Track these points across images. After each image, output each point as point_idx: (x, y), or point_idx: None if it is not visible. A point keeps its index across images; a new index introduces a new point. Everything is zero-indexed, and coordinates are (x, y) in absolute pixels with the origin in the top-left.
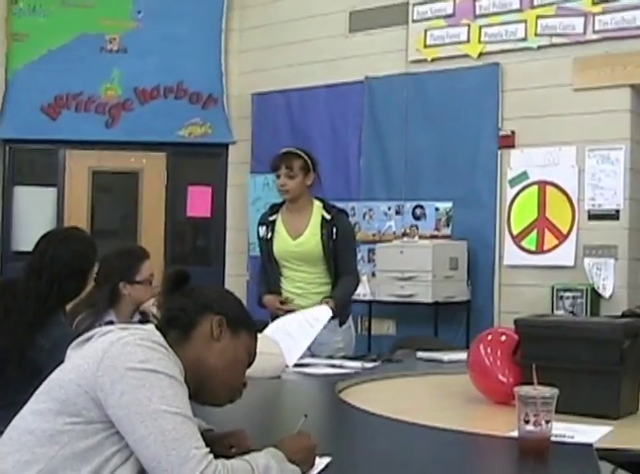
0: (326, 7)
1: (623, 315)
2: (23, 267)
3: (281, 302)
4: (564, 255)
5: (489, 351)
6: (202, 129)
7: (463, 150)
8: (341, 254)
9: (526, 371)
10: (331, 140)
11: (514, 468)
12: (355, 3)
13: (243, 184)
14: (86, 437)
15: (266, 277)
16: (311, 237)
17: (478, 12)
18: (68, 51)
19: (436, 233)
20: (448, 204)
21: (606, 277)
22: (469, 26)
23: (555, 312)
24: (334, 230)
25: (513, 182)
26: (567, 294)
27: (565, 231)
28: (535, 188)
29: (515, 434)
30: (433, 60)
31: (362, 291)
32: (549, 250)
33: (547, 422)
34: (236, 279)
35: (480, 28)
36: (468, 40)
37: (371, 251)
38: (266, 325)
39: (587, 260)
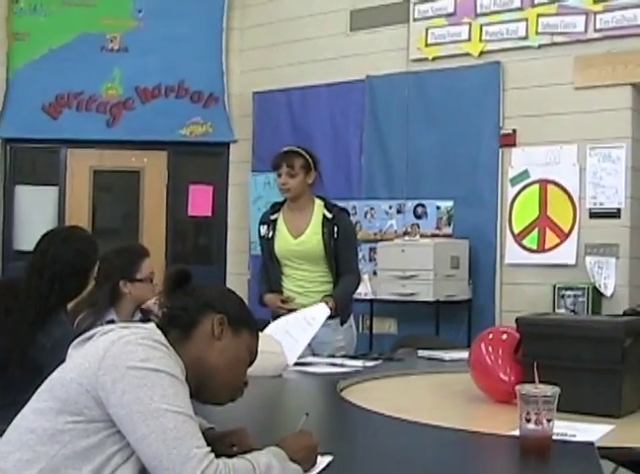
0: (327, 5)
1: (625, 314)
2: (24, 266)
3: (283, 301)
4: (565, 253)
5: (490, 349)
6: (204, 128)
7: (464, 149)
8: (342, 253)
9: (528, 370)
10: (332, 139)
11: (515, 467)
12: (355, 2)
13: (244, 182)
14: (87, 436)
15: (267, 276)
16: (312, 236)
17: (479, 10)
18: (69, 51)
19: (437, 232)
20: (450, 203)
21: (608, 276)
22: (470, 24)
23: (556, 311)
24: (335, 229)
25: (514, 180)
26: (568, 293)
27: (566, 230)
28: (537, 186)
29: (516, 432)
30: (434, 59)
31: (364, 290)
32: (550, 248)
33: (549, 420)
34: (237, 278)
35: (481, 26)
36: (469, 39)
37: (373, 250)
38: (267, 324)
39: (588, 258)
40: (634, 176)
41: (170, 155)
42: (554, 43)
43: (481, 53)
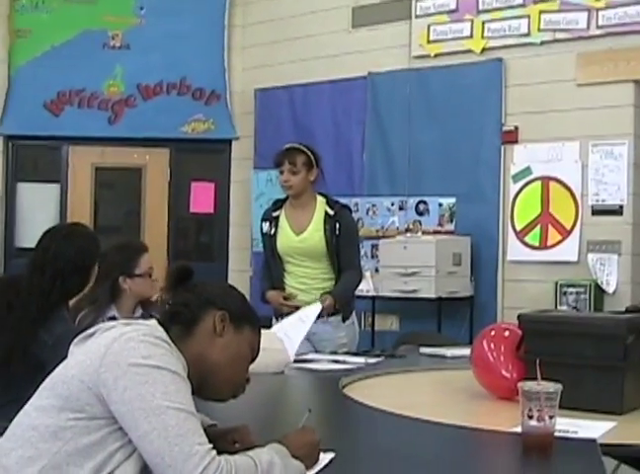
0: (329, 2)
1: (627, 310)
2: (26, 263)
3: (285, 298)
4: (567, 250)
5: (492, 346)
6: (205, 125)
7: (466, 146)
8: (343, 249)
9: (530, 367)
10: (334, 136)
11: (517, 463)
12: None
13: (246, 180)
14: (89, 433)
15: (269, 273)
16: (314, 233)
17: (481, 7)
18: (71, 48)
19: (439, 229)
20: (452, 200)
21: (610, 273)
22: (472, 21)
23: (558, 308)
24: (337, 226)
25: (516, 177)
26: (570, 290)
27: (568, 227)
28: (539, 183)
29: (518, 429)
30: (436, 56)
31: (366, 287)
32: (553, 245)
33: (551, 417)
34: (239, 275)
35: (483, 23)
36: (471, 36)
37: (375, 247)
38: (269, 321)
39: (590, 255)
40: (636, 173)
41: (172, 152)
42: (556, 40)
43: (483, 50)
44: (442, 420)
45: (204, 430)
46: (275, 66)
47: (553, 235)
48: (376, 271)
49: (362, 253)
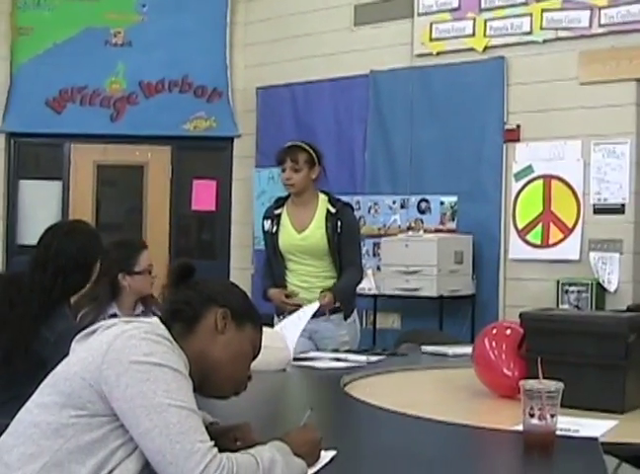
0: (331, 0)
1: (628, 309)
2: (28, 260)
3: (287, 296)
4: (569, 249)
5: (494, 344)
6: (207, 123)
7: (468, 144)
8: (345, 247)
9: (532, 365)
10: (336, 134)
11: (518, 462)
12: None
13: (248, 177)
14: (91, 431)
15: (271, 271)
16: (316, 230)
17: (483, 5)
18: (73, 45)
19: (441, 227)
20: (453, 198)
21: (612, 272)
22: (474, 19)
23: (560, 306)
24: (339, 224)
25: (518, 176)
26: (572, 288)
27: (570, 225)
28: (541, 182)
29: (519, 427)
30: (438, 54)
31: (367, 285)
32: (554, 244)
33: (552, 416)
34: (241, 273)
35: (485, 21)
36: (473, 34)
37: (376, 245)
38: (271, 319)
39: (592, 254)
40: (638, 171)
41: (174, 150)
42: (559, 39)
43: (485, 48)
44: (444, 418)
45: (206, 427)
46: (277, 64)
47: (555, 234)
48: (378, 269)
49: (364, 251)
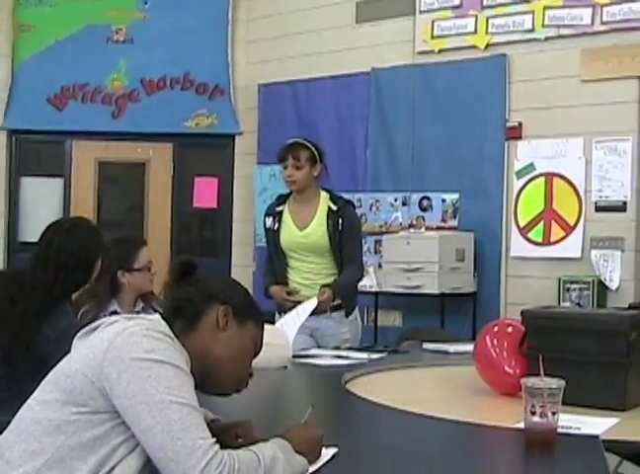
0: None
1: (630, 307)
2: (29, 257)
3: (288, 293)
4: (571, 247)
5: (495, 342)
6: (209, 120)
7: (470, 141)
8: (346, 244)
9: (533, 363)
10: (337, 131)
11: (520, 459)
12: None
13: (249, 175)
14: (92, 427)
15: (272, 268)
16: (318, 228)
17: (485, 3)
18: (75, 42)
19: (442, 224)
20: (455, 196)
21: (613, 269)
22: (476, 17)
23: (561, 304)
24: (340, 221)
25: (519, 173)
26: (573, 286)
27: (572, 223)
28: (542, 179)
29: (521, 425)
30: (440, 51)
31: (369, 283)
32: (556, 242)
33: (554, 413)
34: (242, 270)
35: (487, 19)
36: (475, 32)
37: (378, 242)
38: (272, 316)
39: (593, 252)
40: None
41: (175, 147)
42: (560, 36)
43: (487, 46)
44: (445, 415)
45: (207, 424)
46: (278, 61)
47: (556, 231)
48: (379, 266)
49: (366, 248)
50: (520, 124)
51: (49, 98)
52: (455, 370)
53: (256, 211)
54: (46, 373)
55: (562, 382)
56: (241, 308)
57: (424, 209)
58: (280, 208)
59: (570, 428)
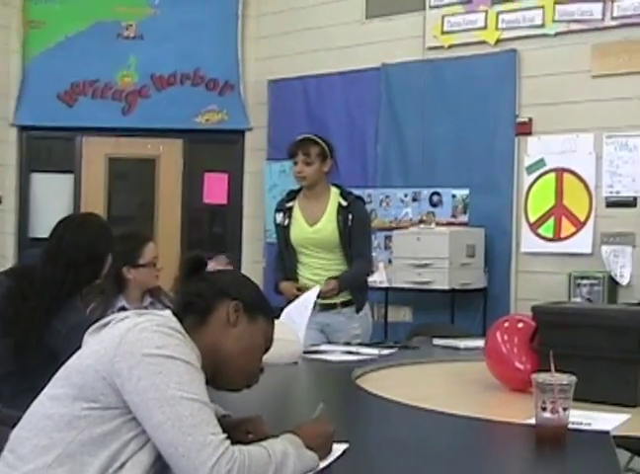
0: None
1: None
2: (40, 253)
3: (298, 289)
4: (581, 242)
5: (506, 338)
6: (219, 116)
7: (480, 137)
8: (355, 239)
9: (544, 359)
10: (348, 127)
11: (530, 455)
12: None
13: (259, 170)
14: (103, 423)
15: (282, 264)
16: (328, 224)
17: None
18: (85, 38)
19: (452, 220)
20: (465, 191)
21: (624, 265)
22: (486, 12)
23: (572, 300)
24: (349, 216)
25: (530, 169)
26: (584, 282)
27: (582, 218)
28: (553, 175)
29: (532, 421)
30: (450, 47)
31: (379, 278)
32: (566, 237)
33: (564, 409)
34: (252, 266)
35: (497, 14)
36: (485, 27)
37: (388, 238)
38: (282, 311)
39: (604, 247)
40: None
41: (185, 143)
42: (571, 31)
43: (497, 41)
44: (456, 411)
45: (218, 420)
46: (288, 57)
47: (567, 227)
48: (389, 262)
49: (376, 244)
50: (531, 120)
51: (59, 94)
52: (466, 366)
53: (266, 207)
54: (57, 369)
55: (573, 378)
56: (252, 304)
57: (434, 205)
58: (290, 204)
59: (581, 423)
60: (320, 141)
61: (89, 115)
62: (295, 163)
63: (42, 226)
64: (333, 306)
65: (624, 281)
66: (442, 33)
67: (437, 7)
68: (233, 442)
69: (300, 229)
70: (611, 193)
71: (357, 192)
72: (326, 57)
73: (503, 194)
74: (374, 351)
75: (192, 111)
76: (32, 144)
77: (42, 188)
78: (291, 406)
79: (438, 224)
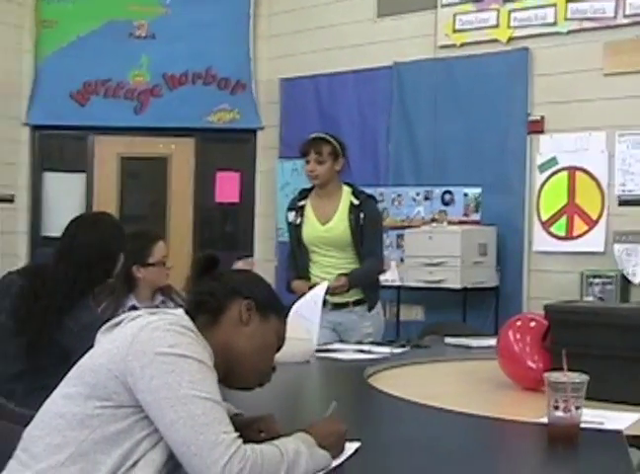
0: None
1: None
2: (52, 252)
3: (311, 288)
4: (594, 241)
5: (518, 336)
6: (231, 115)
7: (492, 136)
8: (366, 238)
9: (556, 357)
10: (359, 126)
11: (543, 454)
12: None
13: (271, 169)
14: (116, 421)
15: (295, 263)
16: (340, 222)
17: None
18: (97, 38)
19: (464, 219)
20: (477, 190)
21: (636, 264)
22: (498, 10)
23: (584, 298)
24: (361, 215)
25: (542, 167)
26: (596, 280)
27: (595, 217)
28: (565, 173)
29: (544, 420)
30: (461, 45)
31: (391, 277)
32: (579, 236)
33: (577, 408)
34: (264, 265)
35: (509, 12)
36: (497, 25)
37: (400, 237)
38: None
39: (616, 246)
40: None
41: (197, 142)
42: (583, 29)
43: (509, 40)
44: (468, 410)
45: (230, 419)
46: (300, 56)
47: (579, 225)
48: (401, 261)
49: (388, 243)
50: (543, 118)
51: (72, 93)
52: (478, 365)
53: (278, 206)
54: (69, 368)
55: (585, 377)
56: (264, 302)
57: (446, 204)
58: (302, 203)
59: (593, 423)
60: (332, 140)
61: (101, 114)
62: (307, 162)
63: (55, 225)
64: (345, 305)
65: (637, 280)
66: (454, 31)
67: (448, 5)
68: (245, 441)
69: (312, 228)
70: (624, 191)
71: (368, 190)
72: (338, 56)
73: (515, 192)
74: (386, 349)
75: (203, 110)
76: (44, 143)
77: (55, 187)
78: (303, 405)
79: (450, 223)
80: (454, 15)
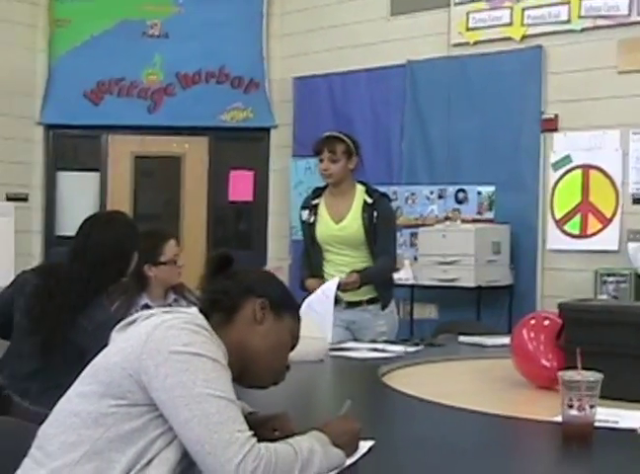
0: None
1: None
2: (66, 251)
3: None
4: (608, 239)
5: (532, 335)
6: (244, 114)
7: (506, 134)
8: (379, 236)
9: (570, 356)
10: (373, 124)
11: (557, 453)
12: None
13: (285, 168)
14: (130, 420)
15: (308, 261)
16: (353, 221)
17: None
18: (110, 37)
19: (478, 217)
20: (491, 188)
21: None
22: (512, 8)
23: (598, 297)
24: (375, 214)
25: (556, 165)
26: (610, 279)
27: (609, 215)
28: (579, 171)
29: (558, 418)
30: (475, 43)
31: (405, 276)
32: (593, 234)
33: (591, 407)
34: (278, 263)
35: (523, 10)
36: (511, 23)
37: (414, 235)
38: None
39: (631, 244)
40: None
41: (211, 141)
42: (597, 27)
43: (523, 37)
44: (482, 409)
45: (245, 417)
46: (313, 54)
47: (593, 224)
48: (415, 259)
49: (401, 241)
50: (557, 116)
51: (86, 93)
52: (492, 363)
53: (291, 204)
54: (84, 366)
55: (600, 375)
56: (278, 301)
57: (460, 202)
58: (315, 201)
59: (608, 421)
60: (345, 138)
61: (115, 113)
62: (321, 160)
63: (69, 224)
64: (359, 303)
65: None
66: (467, 29)
67: (461, 3)
68: (260, 440)
69: (326, 226)
70: (638, 189)
71: (382, 189)
72: (351, 54)
73: (529, 190)
74: (400, 348)
75: (217, 109)
76: (58, 143)
77: (69, 186)
78: (318, 403)
79: (463, 221)
80: (468, 13)
